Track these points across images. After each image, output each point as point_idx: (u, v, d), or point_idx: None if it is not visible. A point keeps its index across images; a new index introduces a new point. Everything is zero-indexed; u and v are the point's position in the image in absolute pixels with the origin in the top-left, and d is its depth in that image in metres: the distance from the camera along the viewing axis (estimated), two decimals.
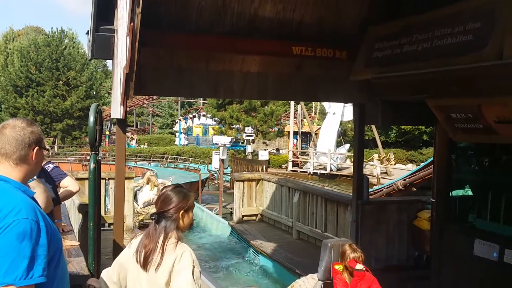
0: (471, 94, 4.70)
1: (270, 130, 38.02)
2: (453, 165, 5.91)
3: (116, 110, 5.24)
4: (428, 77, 5.17)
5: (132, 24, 3.87)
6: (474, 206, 5.81)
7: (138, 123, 64.79)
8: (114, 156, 6.30)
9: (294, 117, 40.00)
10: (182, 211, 2.71)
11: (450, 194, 5.95)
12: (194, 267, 2.62)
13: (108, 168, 25.42)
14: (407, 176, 13.26)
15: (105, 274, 2.82)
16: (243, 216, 11.09)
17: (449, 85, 4.96)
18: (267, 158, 32.93)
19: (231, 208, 12.14)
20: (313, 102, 42.90)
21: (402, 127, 37.37)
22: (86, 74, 44.32)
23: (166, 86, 5.85)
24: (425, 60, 5.14)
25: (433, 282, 5.82)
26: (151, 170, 20.34)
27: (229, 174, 22.23)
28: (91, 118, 3.26)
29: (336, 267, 4.89)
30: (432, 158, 7.05)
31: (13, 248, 1.77)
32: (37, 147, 2.02)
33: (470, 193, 6.10)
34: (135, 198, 13.09)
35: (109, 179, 9.53)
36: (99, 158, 3.42)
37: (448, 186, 5.83)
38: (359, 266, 4.68)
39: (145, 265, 2.59)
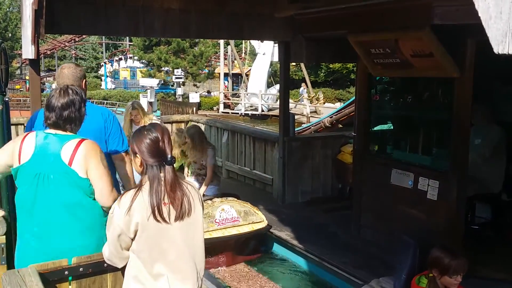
0: (389, 28, 4.80)
1: (200, 72, 37.42)
2: (373, 99, 6.08)
3: (27, 50, 4.93)
4: (348, 12, 5.21)
5: None
6: (392, 139, 6.09)
7: None
8: None
9: (225, 59, 39.48)
10: None
11: (371, 128, 6.17)
12: None
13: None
14: (333, 113, 13.58)
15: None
16: None
17: (368, 21, 5.03)
18: (198, 101, 32.61)
19: None
20: (243, 43, 42.44)
21: (330, 66, 37.92)
22: (0, 15, 41.15)
23: (81, 24, 5.53)
24: None
25: (355, 211, 6.14)
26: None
27: (158, 117, 21.87)
28: None
29: (418, 281, 3.44)
30: None
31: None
32: (85, 80, 3.42)
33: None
34: None
35: None
36: (7, 99, 3.22)
37: (368, 120, 6.03)
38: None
39: (182, 217, 2.35)
